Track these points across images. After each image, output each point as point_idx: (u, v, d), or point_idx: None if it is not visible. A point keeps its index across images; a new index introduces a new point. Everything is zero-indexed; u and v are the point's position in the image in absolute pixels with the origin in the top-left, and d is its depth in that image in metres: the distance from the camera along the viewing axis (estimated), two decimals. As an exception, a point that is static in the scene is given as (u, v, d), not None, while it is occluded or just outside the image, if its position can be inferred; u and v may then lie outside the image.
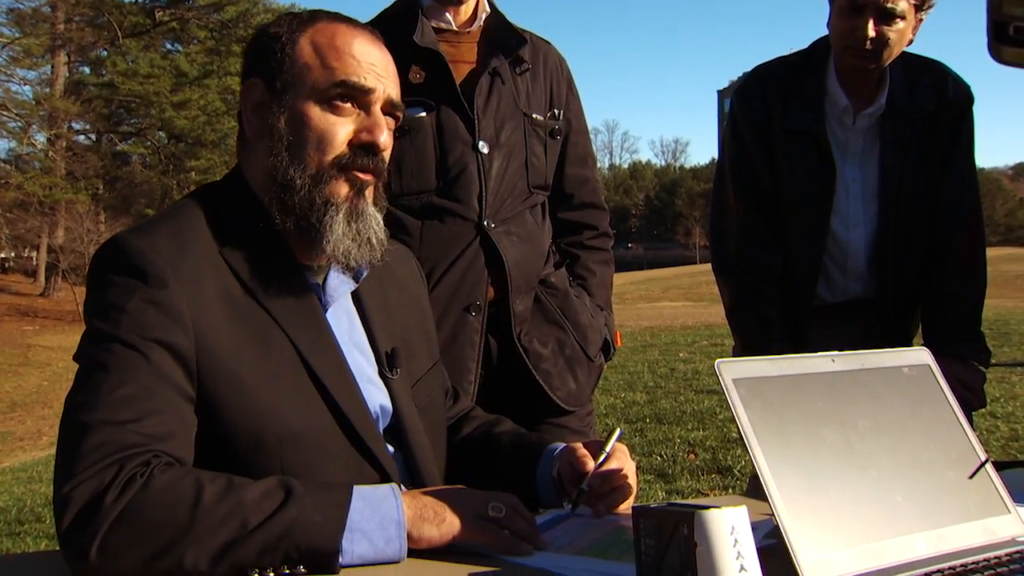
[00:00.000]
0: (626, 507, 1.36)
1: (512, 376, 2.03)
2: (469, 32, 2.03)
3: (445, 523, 1.13)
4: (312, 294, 1.30)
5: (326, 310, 1.32)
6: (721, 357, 1.12)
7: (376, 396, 1.35)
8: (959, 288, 2.24)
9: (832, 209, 2.23)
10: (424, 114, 1.94)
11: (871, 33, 2.08)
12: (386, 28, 1.94)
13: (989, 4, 1.03)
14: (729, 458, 5.51)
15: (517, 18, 2.12)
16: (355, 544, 1.07)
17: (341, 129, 1.28)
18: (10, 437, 12.05)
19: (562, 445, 1.44)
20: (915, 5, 2.09)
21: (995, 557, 1.10)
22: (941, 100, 2.23)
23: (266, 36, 1.31)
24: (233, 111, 32.24)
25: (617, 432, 1.40)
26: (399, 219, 1.91)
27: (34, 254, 32.09)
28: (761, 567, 0.92)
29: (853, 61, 2.16)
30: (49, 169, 27.29)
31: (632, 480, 1.38)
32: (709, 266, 2.48)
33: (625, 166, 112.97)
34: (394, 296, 1.43)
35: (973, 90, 2.28)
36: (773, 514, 1.00)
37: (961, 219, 2.25)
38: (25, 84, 28.60)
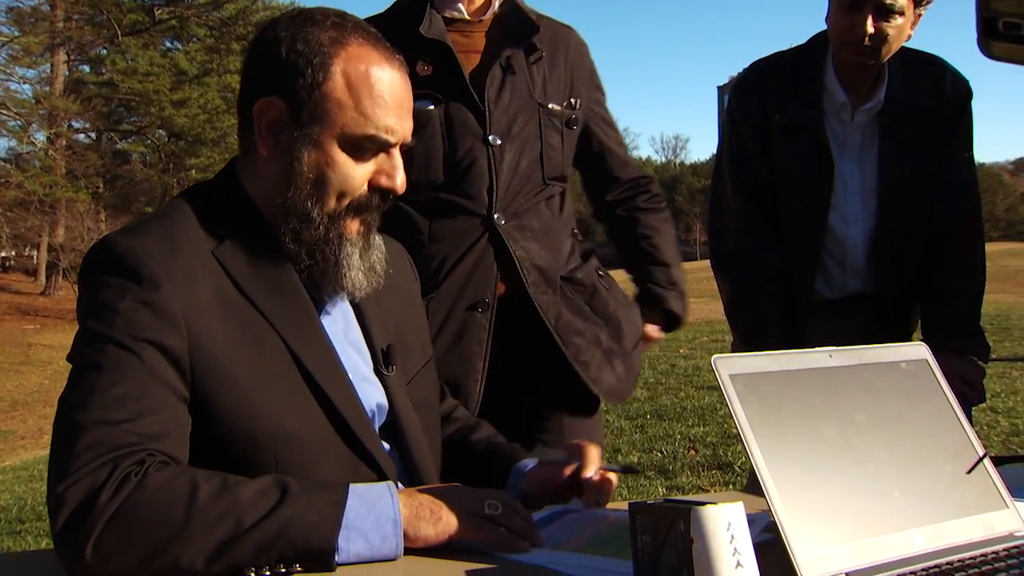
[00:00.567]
0: (623, 503, 1.36)
1: (545, 370, 1.99)
2: (482, 21, 1.98)
3: (441, 521, 1.13)
4: (305, 294, 1.29)
5: (321, 309, 1.32)
6: (721, 353, 1.12)
7: (372, 394, 1.35)
8: (958, 283, 2.23)
9: (830, 205, 2.23)
10: (432, 107, 1.90)
11: (870, 29, 2.07)
12: (396, 20, 1.94)
13: (978, 0, 1.02)
14: (730, 454, 5.51)
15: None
16: (351, 542, 1.07)
17: (363, 172, 1.27)
18: (11, 436, 12.07)
19: (532, 463, 1.44)
20: (914, 1, 2.08)
21: (992, 552, 1.10)
22: (939, 95, 2.23)
23: (291, 52, 1.24)
24: (233, 109, 32.24)
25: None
26: (407, 215, 1.90)
27: (34, 253, 32.12)
28: (758, 563, 0.92)
29: (851, 57, 2.15)
30: (49, 168, 27.29)
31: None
32: (709, 262, 2.48)
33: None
34: (388, 293, 1.42)
35: (972, 84, 2.28)
36: (770, 510, 1.00)
37: (960, 214, 2.25)
38: (25, 83, 28.62)
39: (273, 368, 1.21)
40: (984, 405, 2.79)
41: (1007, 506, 1.19)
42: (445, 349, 1.86)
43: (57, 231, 27.40)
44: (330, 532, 1.06)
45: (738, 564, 0.90)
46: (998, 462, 1.30)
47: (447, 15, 1.96)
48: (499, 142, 1.91)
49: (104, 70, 31.90)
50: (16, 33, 27.42)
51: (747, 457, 1.03)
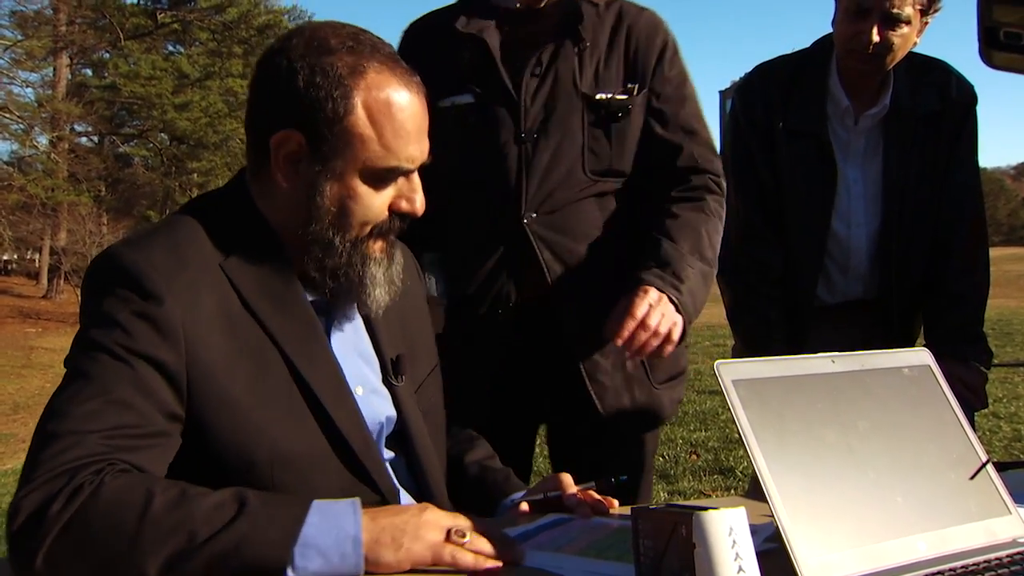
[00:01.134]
0: (626, 508, 1.36)
1: (558, 385, 1.90)
2: (538, 10, 1.90)
3: (402, 549, 1.08)
4: (312, 311, 1.28)
5: (330, 323, 1.31)
6: (723, 358, 1.12)
7: (381, 407, 1.34)
8: (961, 288, 2.23)
9: (833, 209, 2.23)
10: (472, 101, 1.87)
11: (875, 38, 2.07)
12: (448, 14, 1.94)
13: (980, 10, 1.03)
14: (731, 459, 5.51)
15: None
16: (308, 560, 1.03)
17: (383, 199, 1.27)
18: (12, 439, 12.04)
19: (520, 494, 1.43)
20: (921, 10, 2.08)
21: (996, 558, 1.09)
22: (945, 100, 2.22)
23: (310, 85, 1.20)
24: (235, 113, 32.32)
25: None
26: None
27: (36, 256, 32.13)
28: (760, 569, 0.92)
29: (856, 64, 2.15)
30: (51, 171, 27.30)
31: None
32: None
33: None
34: (397, 300, 1.40)
35: (976, 89, 2.27)
36: (773, 516, 1.00)
37: (964, 219, 2.25)
38: (27, 86, 28.62)
39: (274, 387, 1.20)
40: (986, 410, 2.79)
41: (1010, 512, 1.19)
42: (456, 351, 1.73)
43: (59, 234, 27.41)
44: (284, 550, 1.03)
45: (740, 569, 0.90)
46: (1001, 468, 1.30)
47: (500, 4, 1.91)
48: (533, 138, 1.84)
49: (106, 74, 31.94)
50: (19, 37, 27.44)
51: (749, 462, 1.03)
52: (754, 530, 0.95)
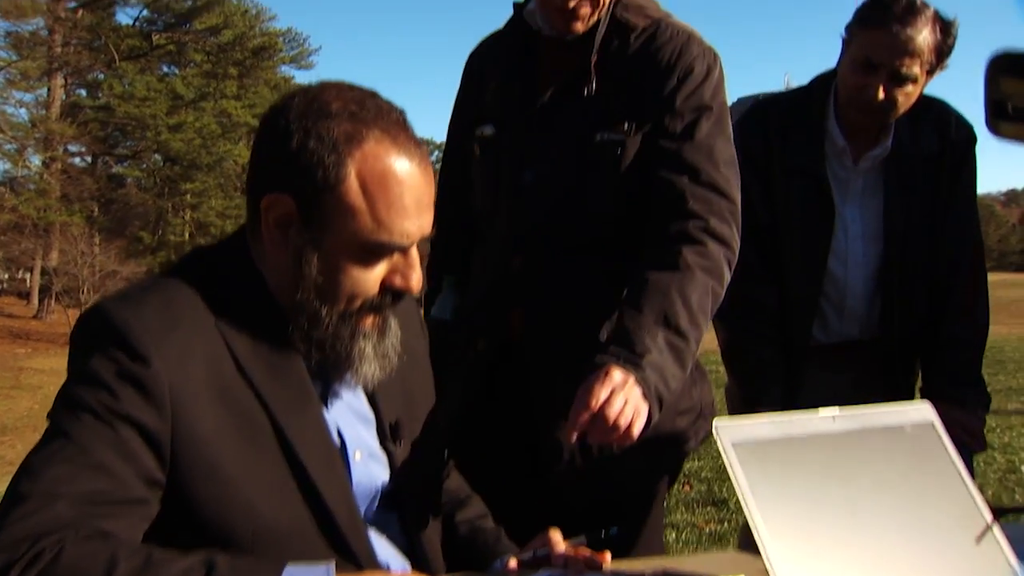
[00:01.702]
0: (621, 563, 1.32)
1: (514, 431, 1.80)
2: (574, 40, 1.76)
3: None
4: (308, 379, 1.23)
5: (328, 388, 1.28)
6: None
7: (378, 473, 1.31)
8: (960, 331, 2.20)
9: (830, 249, 2.20)
10: (493, 132, 1.81)
11: (881, 95, 2.06)
12: (494, 40, 1.93)
13: (987, 83, 1.02)
14: (724, 490, 5.46)
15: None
16: None
17: (375, 275, 1.20)
18: (0, 461, 11.94)
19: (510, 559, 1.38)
20: (928, 70, 2.07)
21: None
22: (944, 141, 2.20)
23: (302, 149, 1.14)
24: (229, 134, 32.39)
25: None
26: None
27: (28, 276, 32.03)
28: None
29: (858, 115, 2.14)
30: (44, 191, 27.28)
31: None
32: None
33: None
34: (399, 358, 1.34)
35: (964, 114, 2.25)
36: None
37: (964, 261, 2.23)
38: (21, 107, 28.65)
39: (262, 457, 1.16)
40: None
41: (1015, 573, 1.16)
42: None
43: (51, 254, 27.31)
44: None
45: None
46: (999, 513, 1.26)
47: (544, 31, 1.80)
48: (532, 177, 1.76)
49: (101, 94, 32.01)
50: (14, 58, 27.50)
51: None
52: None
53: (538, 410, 1.75)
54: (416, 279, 1.22)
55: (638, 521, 1.86)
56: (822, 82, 2.27)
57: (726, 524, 4.91)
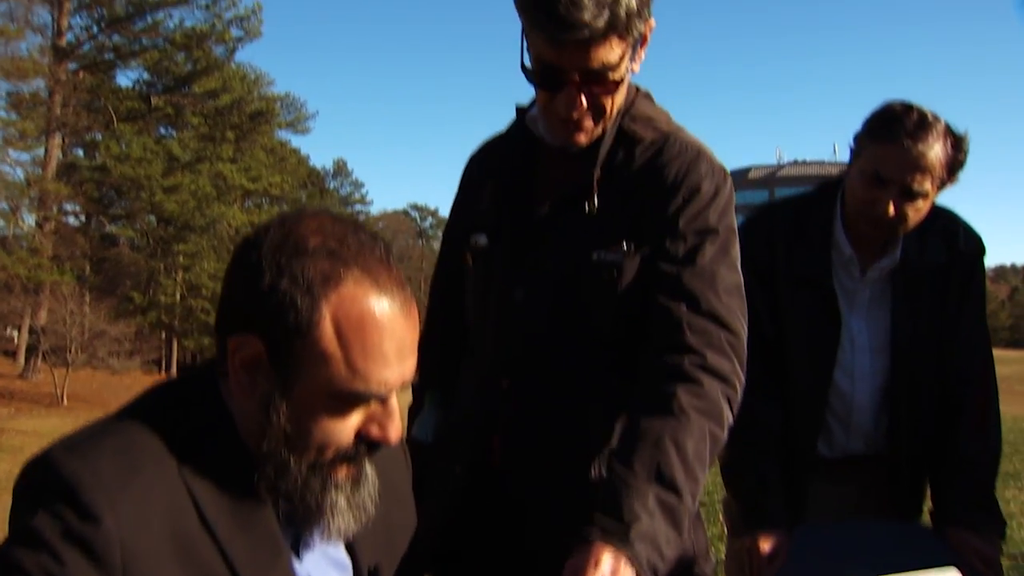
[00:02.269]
0: None
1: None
2: (576, 151, 1.66)
3: None
4: (278, 532, 1.13)
5: (298, 537, 1.17)
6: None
7: None
8: (972, 451, 2.10)
9: (836, 362, 2.13)
10: (486, 242, 1.72)
11: (891, 211, 2.00)
12: (495, 144, 1.83)
13: None
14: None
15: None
16: None
17: (350, 425, 1.10)
18: (-25, 529, 11.64)
19: None
20: (938, 186, 2.02)
21: None
22: (952, 252, 2.14)
23: (274, 289, 1.05)
24: (223, 196, 32.54)
25: None
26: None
27: (15, 334, 31.77)
28: None
29: (866, 229, 2.08)
30: (36, 250, 27.23)
31: None
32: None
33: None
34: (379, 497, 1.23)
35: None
36: None
37: (973, 377, 2.14)
38: (17, 166, 28.74)
39: None
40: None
41: None
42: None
43: (40, 313, 27.13)
44: None
45: None
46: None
47: (546, 139, 1.71)
48: (523, 295, 1.66)
49: (98, 154, 32.19)
50: (14, 117, 27.70)
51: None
52: None
53: (517, 540, 1.64)
54: (395, 430, 1.12)
55: None
56: (828, 189, 2.22)
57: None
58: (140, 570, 1.00)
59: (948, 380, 2.13)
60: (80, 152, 34.06)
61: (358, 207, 57.03)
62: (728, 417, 1.57)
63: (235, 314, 1.09)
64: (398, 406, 1.14)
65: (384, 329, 1.07)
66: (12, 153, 28.09)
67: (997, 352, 2.27)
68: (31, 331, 27.84)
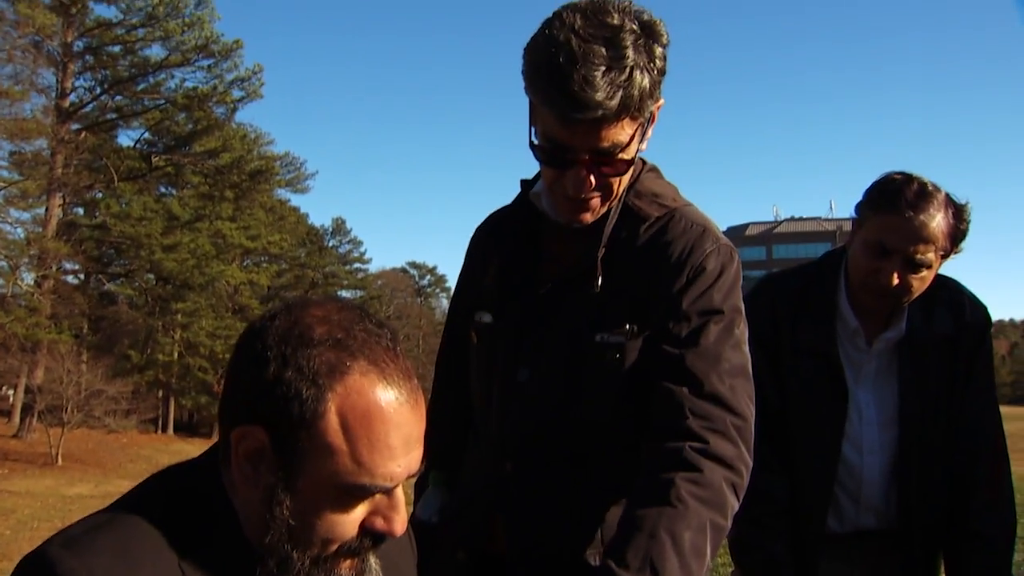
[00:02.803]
0: None
1: None
2: (579, 229, 1.62)
3: None
4: None
5: None
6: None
7: None
8: (985, 527, 2.05)
9: (844, 435, 2.08)
10: (490, 320, 1.69)
11: (895, 281, 1.98)
12: (499, 218, 1.80)
13: None
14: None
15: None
16: None
17: (354, 517, 1.07)
18: (-36, 593, 11.41)
19: None
20: (942, 256, 2.01)
21: None
22: (959, 323, 2.11)
23: (279, 379, 1.03)
24: (222, 255, 32.64)
25: None
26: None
27: (11, 393, 31.57)
28: None
29: (870, 299, 2.06)
30: (34, 309, 27.21)
31: None
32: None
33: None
34: None
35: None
36: None
37: (985, 450, 2.10)
38: (18, 225, 28.88)
39: None
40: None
41: None
42: None
43: (36, 372, 27.02)
44: None
45: None
46: None
47: (551, 215, 1.66)
48: (527, 376, 1.62)
49: (98, 213, 32.40)
50: (16, 177, 27.88)
51: None
52: None
53: None
54: (400, 523, 1.09)
55: None
56: (832, 259, 2.20)
57: None
58: None
59: (958, 453, 2.09)
60: (80, 211, 34.27)
61: (357, 265, 57.10)
62: (732, 504, 1.52)
63: (239, 404, 1.06)
64: (403, 497, 1.10)
65: (390, 421, 1.04)
66: (13, 212, 28.26)
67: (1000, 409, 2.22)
68: (27, 390, 27.68)
